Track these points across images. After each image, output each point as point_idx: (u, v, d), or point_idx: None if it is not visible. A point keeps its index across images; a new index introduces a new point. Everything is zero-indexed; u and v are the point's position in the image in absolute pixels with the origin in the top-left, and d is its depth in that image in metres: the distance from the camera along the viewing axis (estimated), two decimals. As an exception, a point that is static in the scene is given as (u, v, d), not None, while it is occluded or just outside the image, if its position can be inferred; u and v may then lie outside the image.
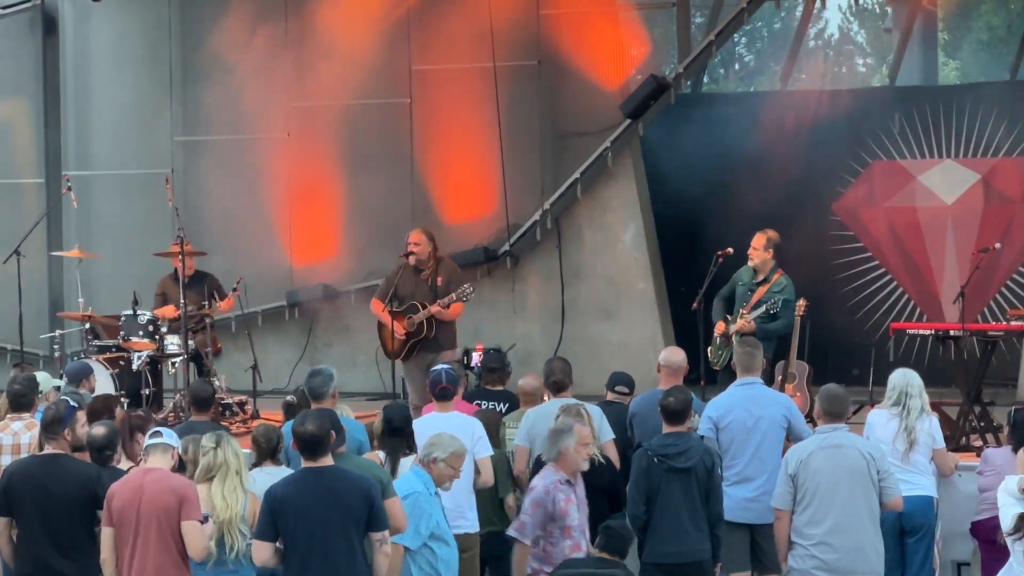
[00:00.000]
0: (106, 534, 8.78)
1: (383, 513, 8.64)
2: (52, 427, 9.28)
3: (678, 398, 10.02)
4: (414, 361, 13.86)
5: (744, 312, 13.08)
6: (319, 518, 8.50)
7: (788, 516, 9.73)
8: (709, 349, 13.27)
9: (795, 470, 9.68)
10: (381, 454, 10.06)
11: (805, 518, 9.65)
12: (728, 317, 13.22)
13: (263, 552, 8.63)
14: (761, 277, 13.27)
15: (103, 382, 14.09)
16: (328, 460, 8.69)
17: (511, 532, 9.66)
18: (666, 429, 10.00)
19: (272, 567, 8.75)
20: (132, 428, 9.91)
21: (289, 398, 11.39)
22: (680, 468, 9.80)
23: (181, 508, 8.67)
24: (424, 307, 13.70)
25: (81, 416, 9.95)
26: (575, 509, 9.59)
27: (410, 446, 10.13)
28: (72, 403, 9.73)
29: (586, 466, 9.73)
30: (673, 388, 10.26)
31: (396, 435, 10.12)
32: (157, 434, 8.92)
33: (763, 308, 12.99)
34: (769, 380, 12.40)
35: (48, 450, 9.27)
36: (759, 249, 13.29)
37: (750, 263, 13.32)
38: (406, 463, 10.01)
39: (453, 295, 13.69)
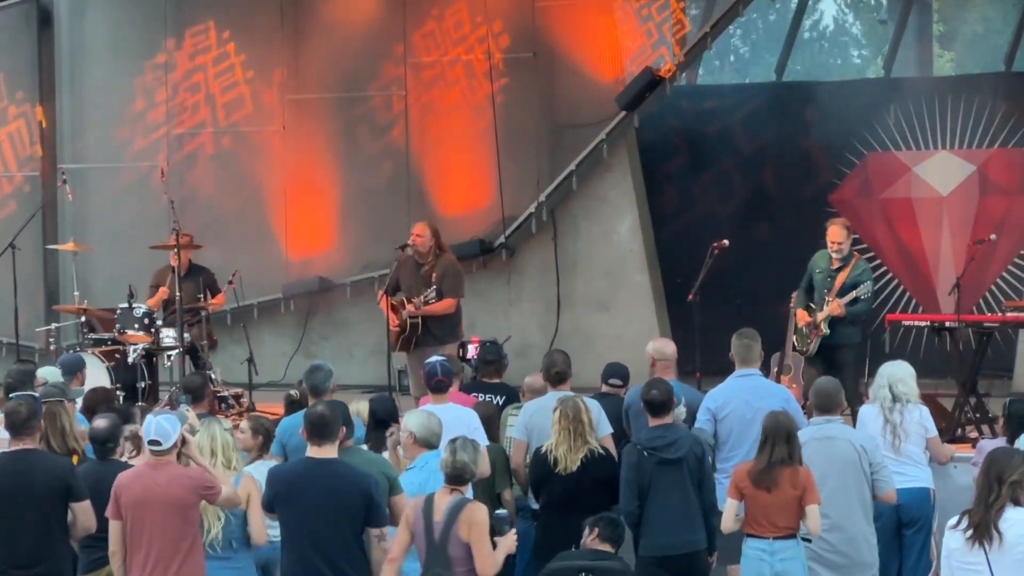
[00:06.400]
0: (115, 528, 8.66)
1: (381, 510, 8.65)
2: (27, 425, 8.85)
3: (660, 390, 9.96)
4: (414, 354, 13.89)
5: (830, 298, 12.87)
6: (314, 509, 8.53)
7: None
8: (795, 338, 13.10)
9: None
10: (364, 446, 10.04)
11: None
12: (812, 306, 13.02)
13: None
14: (839, 263, 13.04)
15: (99, 375, 14.06)
16: (332, 451, 8.69)
17: None
18: (652, 422, 9.97)
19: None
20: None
21: (292, 392, 11.38)
22: (670, 459, 9.78)
23: (208, 500, 8.59)
24: (409, 303, 13.75)
25: (72, 408, 9.89)
26: None
27: None
28: (36, 396, 9.51)
29: None
30: (654, 380, 10.17)
31: (381, 427, 10.13)
32: (156, 443, 8.54)
33: (853, 293, 12.80)
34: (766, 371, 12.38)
35: (17, 447, 8.88)
36: (842, 241, 12.96)
37: (835, 255, 12.96)
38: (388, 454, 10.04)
39: (422, 297, 13.70)
